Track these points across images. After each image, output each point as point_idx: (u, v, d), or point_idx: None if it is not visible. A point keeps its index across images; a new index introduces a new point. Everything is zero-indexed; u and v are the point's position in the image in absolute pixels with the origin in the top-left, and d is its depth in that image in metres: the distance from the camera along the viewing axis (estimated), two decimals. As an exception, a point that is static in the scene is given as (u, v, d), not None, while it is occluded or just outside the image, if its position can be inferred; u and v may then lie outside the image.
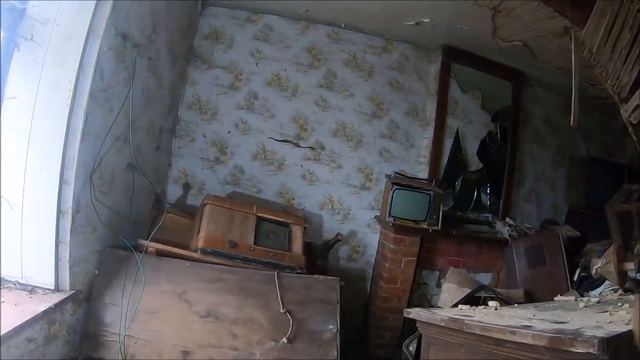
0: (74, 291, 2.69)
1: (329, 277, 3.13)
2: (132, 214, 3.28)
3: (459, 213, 4.69)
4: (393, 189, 3.91)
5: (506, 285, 4.43)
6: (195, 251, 3.02)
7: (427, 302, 4.44)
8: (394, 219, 3.93)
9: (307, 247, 3.62)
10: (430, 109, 4.63)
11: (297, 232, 3.40)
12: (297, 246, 3.34)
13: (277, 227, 3.38)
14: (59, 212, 2.57)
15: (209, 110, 4.27)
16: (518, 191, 4.99)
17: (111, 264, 2.96)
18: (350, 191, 4.47)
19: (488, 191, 4.90)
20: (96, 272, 2.95)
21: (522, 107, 4.98)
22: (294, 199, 4.38)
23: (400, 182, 4.00)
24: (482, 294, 3.82)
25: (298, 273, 3.16)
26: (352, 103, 4.51)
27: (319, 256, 3.78)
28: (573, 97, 2.93)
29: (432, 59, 4.70)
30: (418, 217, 3.98)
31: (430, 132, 4.59)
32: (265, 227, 3.33)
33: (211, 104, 4.27)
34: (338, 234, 3.67)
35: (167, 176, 4.18)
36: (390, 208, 3.91)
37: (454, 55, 4.60)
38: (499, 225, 4.64)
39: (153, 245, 2.97)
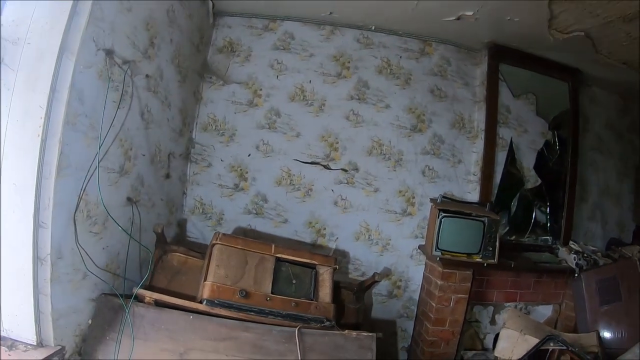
0: (59, 347, 2.31)
1: (363, 334, 2.56)
2: (139, 253, 2.88)
3: (514, 238, 4.04)
4: (440, 216, 3.30)
5: (572, 321, 3.75)
6: (201, 302, 2.53)
7: (479, 342, 3.78)
8: (442, 253, 3.29)
9: (338, 288, 3.06)
10: (479, 118, 4.02)
11: (325, 275, 2.86)
12: (325, 293, 2.80)
13: (301, 269, 2.86)
14: (36, 259, 2.18)
15: (226, 131, 3.82)
16: (580, 208, 4.30)
17: (106, 314, 2.54)
18: (389, 218, 3.88)
19: (547, 210, 4.20)
20: (90, 322, 2.54)
21: (580, 111, 4.30)
22: (325, 228, 3.84)
23: (449, 208, 3.36)
24: (551, 346, 3.10)
25: (325, 327, 2.61)
26: (388, 116, 3.95)
27: (352, 299, 3.21)
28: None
29: (477, 60, 4.10)
30: (470, 249, 3.34)
31: (480, 145, 3.96)
32: (286, 270, 2.80)
33: (228, 124, 3.82)
34: (375, 274, 3.08)
35: (181, 206, 3.75)
36: (438, 240, 3.29)
37: (502, 55, 4.00)
38: (562, 252, 3.93)
39: (150, 295, 2.50)
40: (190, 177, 3.79)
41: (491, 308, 3.78)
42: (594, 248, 4.00)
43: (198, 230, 3.78)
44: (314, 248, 3.81)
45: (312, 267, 2.88)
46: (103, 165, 2.51)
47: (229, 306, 2.53)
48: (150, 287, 2.82)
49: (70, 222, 2.30)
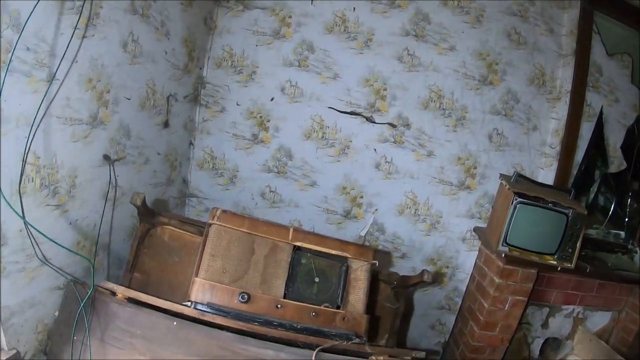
0: (14, 351, 1.85)
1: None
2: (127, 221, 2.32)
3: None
4: (514, 201, 2.51)
5: (630, 335, 3.11)
6: (189, 303, 1.92)
7: (526, 347, 3.13)
8: (510, 249, 2.55)
9: (375, 281, 2.42)
10: (563, 76, 3.13)
11: (359, 273, 2.18)
12: (357, 298, 2.15)
13: (327, 264, 2.17)
14: (-32, 248, 1.61)
15: (244, 68, 3.04)
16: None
17: (74, 307, 1.96)
18: (443, 190, 3.12)
19: (628, 202, 3.35)
20: (56, 314, 2.02)
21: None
22: (361, 196, 3.13)
23: (526, 192, 2.55)
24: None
25: (354, 348, 1.96)
26: (452, 60, 3.06)
27: (389, 296, 2.55)
28: None
29: (566, 3, 3.13)
30: (546, 248, 2.59)
31: (562, 110, 3.11)
32: (308, 264, 2.14)
33: (248, 59, 3.04)
34: (424, 272, 2.36)
35: (187, 160, 3.09)
36: (508, 231, 2.53)
37: (599, 1, 3.10)
38: (641, 257, 3.12)
39: (122, 291, 1.91)
40: (199, 125, 3.09)
41: (546, 310, 3.09)
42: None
43: (208, 188, 3.15)
44: (346, 220, 3.13)
45: (342, 260, 2.19)
46: (62, 115, 1.84)
47: (223, 312, 1.91)
48: (133, 272, 2.25)
49: (13, 196, 1.67)
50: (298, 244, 2.14)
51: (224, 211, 2.08)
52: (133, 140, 2.38)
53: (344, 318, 2.07)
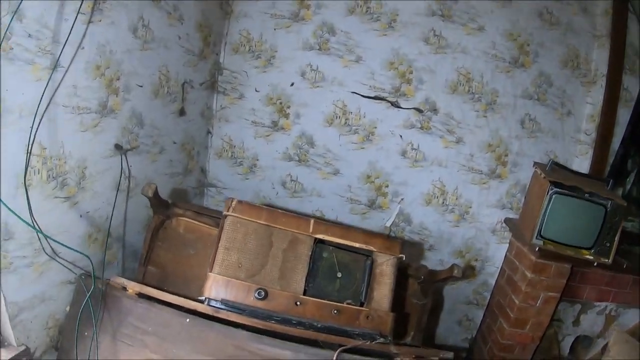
0: (23, 347, 1.80)
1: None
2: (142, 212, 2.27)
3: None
4: (550, 192, 2.33)
5: None
6: (202, 299, 1.84)
7: (556, 345, 2.94)
8: (544, 242, 2.37)
9: (403, 277, 2.30)
10: (598, 58, 2.90)
11: (385, 267, 2.06)
12: (383, 294, 2.02)
13: (351, 257, 2.05)
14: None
15: (262, 53, 2.92)
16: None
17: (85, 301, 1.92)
18: (472, 179, 2.95)
19: None
20: (67, 309, 1.97)
21: None
22: (387, 185, 2.99)
23: (563, 181, 2.36)
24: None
25: (379, 348, 1.85)
26: (481, 42, 2.87)
27: (417, 292, 2.42)
28: None
29: None
30: (582, 241, 2.41)
31: (597, 94, 2.89)
32: (330, 258, 2.02)
33: (266, 43, 2.92)
34: (454, 267, 2.20)
35: (205, 149, 3.01)
36: (542, 224, 2.35)
37: None
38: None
39: (132, 287, 1.84)
40: (217, 112, 3.00)
41: (578, 306, 2.90)
42: None
43: (227, 177, 3.06)
44: (371, 210, 3.00)
45: (366, 254, 2.07)
46: (69, 104, 1.77)
47: (239, 310, 1.82)
48: (147, 265, 2.18)
49: (19, 189, 1.61)
50: (319, 236, 2.01)
51: (240, 202, 1.97)
52: (147, 129, 2.30)
53: (368, 316, 1.95)
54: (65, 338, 1.93)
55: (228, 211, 1.95)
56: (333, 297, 1.97)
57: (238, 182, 3.04)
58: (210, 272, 1.87)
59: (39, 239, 1.73)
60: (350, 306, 1.96)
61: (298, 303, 1.90)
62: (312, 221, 2.04)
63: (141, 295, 1.83)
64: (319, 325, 1.88)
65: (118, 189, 2.06)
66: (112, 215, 2.08)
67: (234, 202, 1.96)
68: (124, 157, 2.09)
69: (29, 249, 1.72)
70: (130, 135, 2.18)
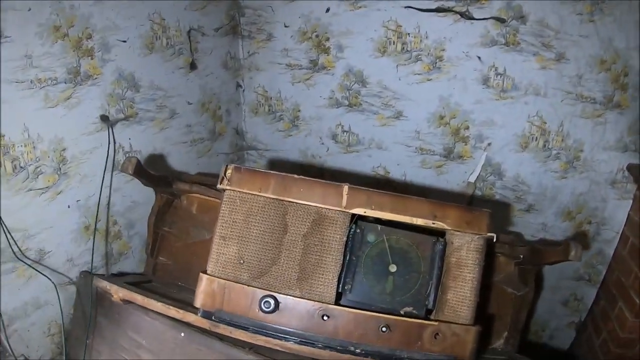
0: (22, 358, 1.65)
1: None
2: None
3: None
4: None
5: None
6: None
7: None
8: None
9: (491, 256, 1.67)
10: None
11: (464, 253, 1.37)
12: (462, 296, 1.35)
13: (411, 240, 1.39)
14: None
15: (286, -23, 2.34)
16: None
17: (87, 304, 1.66)
18: (583, 111, 2.12)
19: None
20: (71, 313, 1.75)
21: None
22: (466, 127, 2.29)
23: None
24: None
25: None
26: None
27: (513, 278, 1.77)
28: None
29: None
30: None
31: None
32: (377, 243, 1.38)
33: (289, -37, 2.32)
34: (569, 244, 1.47)
35: (237, 105, 2.58)
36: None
37: None
38: None
39: (116, 291, 1.49)
40: (244, 61, 2.52)
41: None
42: None
43: (267, 137, 2.63)
44: (448, 161, 2.36)
45: (435, 235, 1.40)
46: (23, 79, 1.45)
47: (241, 325, 1.35)
48: (157, 256, 1.86)
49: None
50: (358, 211, 1.37)
51: (238, 168, 1.40)
52: (145, 91, 1.91)
53: (436, 334, 1.30)
54: (70, 345, 1.72)
55: (222, 183, 1.40)
56: (382, 303, 1.34)
57: (280, 140, 2.58)
58: (203, 272, 1.40)
59: (13, 243, 1.46)
60: (408, 319, 1.33)
61: (326, 317, 1.31)
62: (345, 188, 1.37)
63: (127, 302, 1.50)
64: (357, 350, 1.31)
65: (106, 167, 1.72)
66: (109, 199, 1.77)
67: (229, 171, 1.40)
68: (110, 129, 1.73)
69: (7, 253, 1.48)
70: (121, 102, 1.82)
